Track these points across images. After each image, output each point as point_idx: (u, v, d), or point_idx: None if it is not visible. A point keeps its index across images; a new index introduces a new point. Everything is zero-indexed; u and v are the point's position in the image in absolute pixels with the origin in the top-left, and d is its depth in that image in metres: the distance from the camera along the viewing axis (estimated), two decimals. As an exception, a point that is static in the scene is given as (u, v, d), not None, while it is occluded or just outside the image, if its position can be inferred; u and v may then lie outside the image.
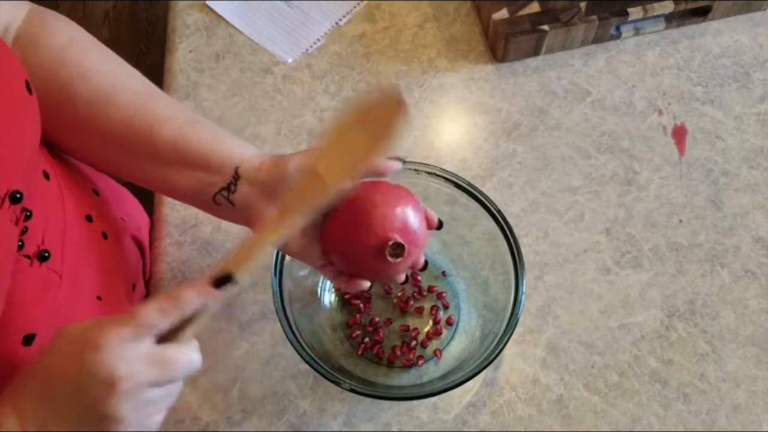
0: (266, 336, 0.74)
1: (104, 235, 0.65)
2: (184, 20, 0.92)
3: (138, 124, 0.58)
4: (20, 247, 0.51)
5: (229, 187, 0.57)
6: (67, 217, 0.59)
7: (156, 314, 0.43)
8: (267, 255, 0.49)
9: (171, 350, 0.44)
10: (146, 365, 0.43)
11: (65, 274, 0.57)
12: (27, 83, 0.51)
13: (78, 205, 0.62)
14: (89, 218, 0.63)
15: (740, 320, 0.74)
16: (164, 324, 0.44)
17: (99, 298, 0.63)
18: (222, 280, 0.45)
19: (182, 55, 0.90)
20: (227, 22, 0.92)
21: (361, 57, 0.89)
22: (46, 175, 0.56)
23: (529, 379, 0.72)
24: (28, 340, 0.52)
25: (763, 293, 0.75)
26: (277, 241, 0.50)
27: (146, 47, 1.85)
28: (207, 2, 0.92)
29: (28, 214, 0.52)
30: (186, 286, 0.45)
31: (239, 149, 0.59)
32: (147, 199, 0.85)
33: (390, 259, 0.56)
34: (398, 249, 0.56)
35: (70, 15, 0.61)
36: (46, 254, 0.54)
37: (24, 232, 0.51)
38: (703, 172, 0.82)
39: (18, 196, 0.49)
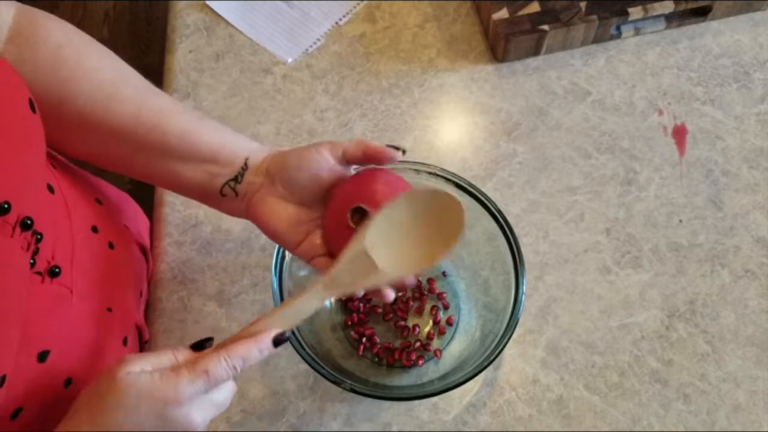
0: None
1: (111, 245, 0.65)
2: (184, 20, 0.92)
3: (145, 117, 0.58)
4: (31, 265, 0.51)
5: (237, 178, 0.59)
6: (74, 230, 0.58)
7: (227, 372, 0.49)
8: (309, 315, 0.54)
9: (224, 393, 0.51)
10: (211, 408, 0.50)
11: (76, 289, 0.57)
12: (30, 101, 0.51)
13: (83, 217, 0.61)
14: (95, 229, 0.63)
15: (740, 320, 0.74)
16: (232, 376, 0.50)
17: (109, 309, 0.63)
18: (281, 340, 0.52)
19: (182, 55, 0.90)
20: (227, 22, 0.92)
21: (361, 57, 0.89)
22: (50, 189, 0.56)
23: (529, 379, 0.72)
24: (43, 356, 0.52)
25: (764, 293, 0.75)
26: (320, 306, 0.54)
27: (146, 47, 1.85)
28: (207, 2, 0.92)
29: (39, 237, 0.52)
30: (249, 343, 0.50)
31: (246, 143, 0.61)
32: (146, 202, 0.85)
33: (352, 225, 0.54)
34: (359, 213, 0.54)
35: (71, 15, 0.61)
36: (57, 270, 0.54)
37: (35, 253, 0.51)
38: (703, 172, 0.82)
39: (29, 222, 0.49)
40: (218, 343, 0.51)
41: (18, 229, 0.48)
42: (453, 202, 0.53)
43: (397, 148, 0.57)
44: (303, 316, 0.53)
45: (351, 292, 0.54)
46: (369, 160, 0.57)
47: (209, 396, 0.49)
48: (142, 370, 0.47)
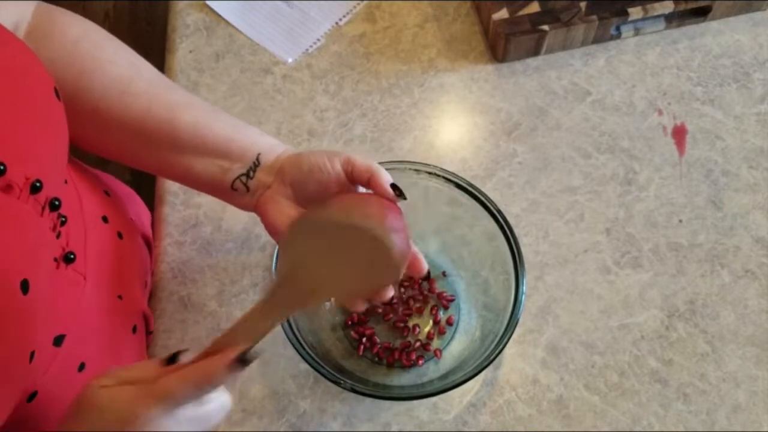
0: (266, 336, 0.74)
1: (120, 235, 0.66)
2: (184, 20, 0.92)
3: (156, 112, 0.59)
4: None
5: (248, 173, 0.59)
6: (86, 218, 0.59)
7: (193, 391, 0.44)
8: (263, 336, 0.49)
9: (207, 407, 0.46)
10: (188, 424, 0.45)
11: (89, 275, 0.57)
12: (55, 90, 0.52)
13: (94, 206, 0.62)
14: (105, 219, 0.64)
15: (740, 320, 0.74)
16: (198, 397, 0.45)
17: (120, 297, 0.63)
18: (247, 360, 0.46)
19: (182, 55, 0.90)
20: (227, 22, 0.92)
21: (361, 57, 0.89)
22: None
23: (529, 379, 0.72)
24: (59, 341, 0.53)
25: (763, 293, 0.75)
26: (270, 328, 0.49)
27: (146, 47, 1.85)
28: (207, 2, 0.92)
29: (63, 220, 0.52)
30: (215, 360, 0.45)
31: (260, 137, 0.60)
32: (145, 198, 0.85)
33: None
34: None
35: (70, 16, 0.61)
36: (72, 256, 0.54)
37: (57, 237, 0.52)
38: (703, 172, 0.82)
39: (57, 203, 0.49)
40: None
41: (47, 209, 0.49)
42: (375, 241, 0.46)
43: (400, 193, 0.54)
44: (256, 338, 0.48)
45: (292, 313, 0.49)
46: (371, 188, 0.57)
47: (185, 413, 0.44)
48: (116, 383, 0.44)
